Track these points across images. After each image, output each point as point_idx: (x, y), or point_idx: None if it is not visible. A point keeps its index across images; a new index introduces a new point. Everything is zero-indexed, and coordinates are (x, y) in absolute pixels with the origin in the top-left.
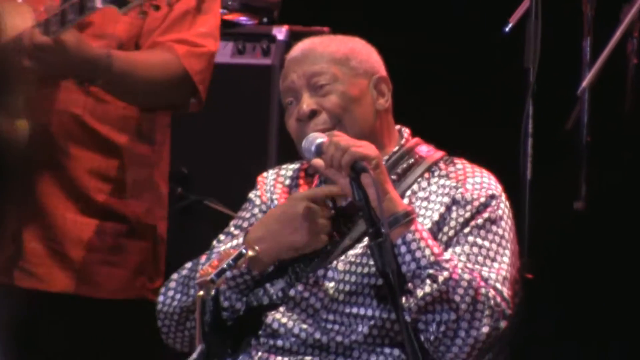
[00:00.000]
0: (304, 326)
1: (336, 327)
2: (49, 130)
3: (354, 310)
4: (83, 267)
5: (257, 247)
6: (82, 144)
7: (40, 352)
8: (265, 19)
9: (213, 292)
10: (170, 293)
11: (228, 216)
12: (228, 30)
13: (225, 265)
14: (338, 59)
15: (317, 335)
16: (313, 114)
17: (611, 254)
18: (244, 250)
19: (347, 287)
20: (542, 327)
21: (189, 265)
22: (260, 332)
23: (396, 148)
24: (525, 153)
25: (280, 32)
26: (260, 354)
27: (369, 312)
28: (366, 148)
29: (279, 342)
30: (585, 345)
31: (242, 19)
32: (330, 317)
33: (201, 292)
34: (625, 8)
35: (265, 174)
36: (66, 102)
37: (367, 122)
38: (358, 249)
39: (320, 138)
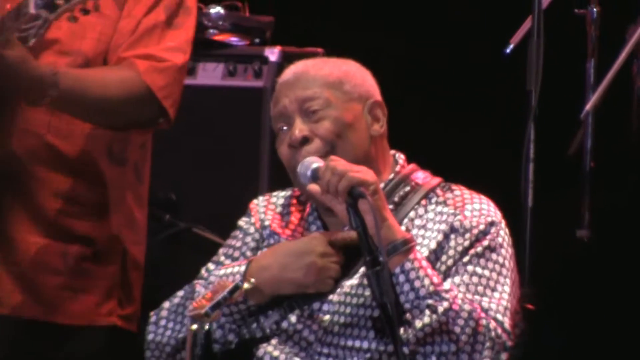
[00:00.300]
0: (296, 359)
1: None
2: (11, 150)
3: (349, 342)
4: (46, 291)
5: (253, 280)
6: (47, 165)
7: None
8: (257, 40)
9: (207, 326)
10: (163, 322)
11: (217, 244)
12: (219, 51)
13: (220, 299)
14: (331, 83)
15: None
16: (305, 140)
17: (616, 284)
18: (240, 283)
19: (342, 319)
20: (544, 357)
21: (181, 293)
22: None
23: (392, 175)
24: (526, 179)
25: (273, 53)
26: None
27: (365, 345)
28: (364, 173)
29: None
30: None
31: (233, 39)
32: (325, 350)
33: (194, 326)
34: (630, 28)
35: (256, 200)
36: (30, 121)
37: (362, 148)
38: (354, 279)
39: (316, 163)
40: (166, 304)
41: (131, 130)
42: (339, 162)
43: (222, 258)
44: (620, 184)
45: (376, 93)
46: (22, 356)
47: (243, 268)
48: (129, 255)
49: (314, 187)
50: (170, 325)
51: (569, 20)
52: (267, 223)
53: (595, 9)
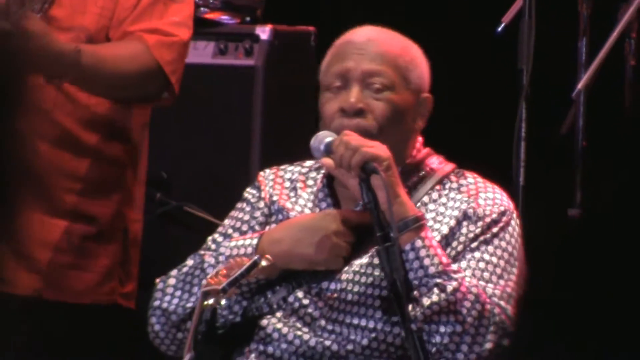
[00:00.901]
0: (299, 333)
1: (333, 336)
2: (17, 126)
3: (355, 320)
4: (49, 269)
5: (269, 257)
6: (52, 142)
7: (5, 355)
8: (248, 18)
9: (223, 302)
10: (170, 290)
11: (208, 222)
12: (209, 29)
13: (238, 275)
14: (400, 66)
15: (312, 343)
16: (360, 112)
17: (607, 263)
18: (257, 260)
19: (350, 297)
20: (537, 333)
21: (190, 262)
22: (254, 337)
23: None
24: (518, 158)
25: (264, 32)
26: (252, 357)
27: (371, 324)
28: (377, 148)
29: (270, 349)
30: (580, 351)
31: (224, 17)
32: (329, 326)
33: (211, 301)
34: (622, 7)
35: (263, 173)
36: (36, 97)
37: (403, 139)
38: (364, 258)
39: (329, 137)
40: (174, 272)
41: (133, 107)
42: (352, 137)
43: (230, 230)
44: (612, 164)
45: (428, 87)
46: (25, 333)
47: (255, 241)
48: (129, 233)
49: (327, 161)
50: (178, 293)
51: None
52: (275, 198)
53: None
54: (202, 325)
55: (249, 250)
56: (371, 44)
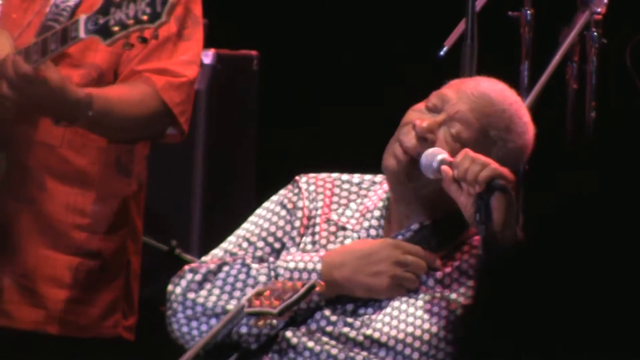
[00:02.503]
0: (327, 347)
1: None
2: (24, 163)
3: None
4: (53, 304)
5: (322, 282)
6: (59, 177)
7: None
8: None
9: (275, 323)
10: (208, 286)
11: (151, 246)
12: None
13: (294, 300)
14: (491, 136)
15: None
16: (425, 140)
17: (550, 281)
18: (315, 283)
19: (394, 333)
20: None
21: (234, 270)
22: (273, 346)
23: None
24: None
25: (207, 56)
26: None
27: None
28: (504, 169)
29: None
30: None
31: None
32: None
33: (260, 322)
34: (564, 31)
35: (305, 179)
36: (44, 133)
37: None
38: (412, 301)
39: (441, 154)
40: (212, 266)
41: (139, 143)
42: (475, 154)
43: (264, 234)
44: (553, 187)
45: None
46: None
47: (318, 266)
48: (131, 265)
49: (447, 169)
50: (217, 292)
51: (503, 22)
52: (319, 212)
53: (529, 12)
54: (225, 332)
55: (313, 275)
56: (484, 97)
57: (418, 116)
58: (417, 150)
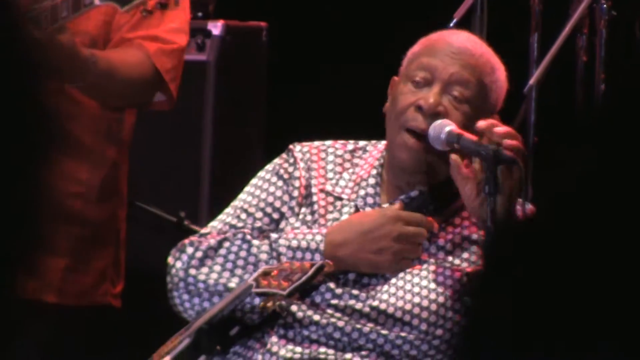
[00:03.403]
0: (333, 320)
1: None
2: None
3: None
4: (51, 273)
5: (330, 262)
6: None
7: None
8: (200, 14)
9: (283, 303)
10: (209, 262)
11: (159, 217)
12: None
13: (303, 281)
14: (485, 84)
15: (347, 329)
16: (437, 114)
17: (560, 258)
18: (323, 264)
19: (400, 303)
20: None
21: (235, 246)
22: (277, 320)
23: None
24: None
25: (216, 27)
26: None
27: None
28: (520, 142)
29: (293, 332)
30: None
31: None
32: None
33: (269, 303)
34: (574, 3)
35: (299, 147)
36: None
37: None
38: (417, 271)
39: (449, 126)
40: (212, 242)
41: (127, 110)
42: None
43: (263, 204)
44: (564, 160)
45: (498, 109)
46: (26, 336)
47: (321, 246)
48: (120, 233)
49: (456, 158)
50: (218, 268)
51: None
52: (313, 181)
53: None
54: (225, 311)
55: (316, 256)
56: (466, 52)
57: (414, 96)
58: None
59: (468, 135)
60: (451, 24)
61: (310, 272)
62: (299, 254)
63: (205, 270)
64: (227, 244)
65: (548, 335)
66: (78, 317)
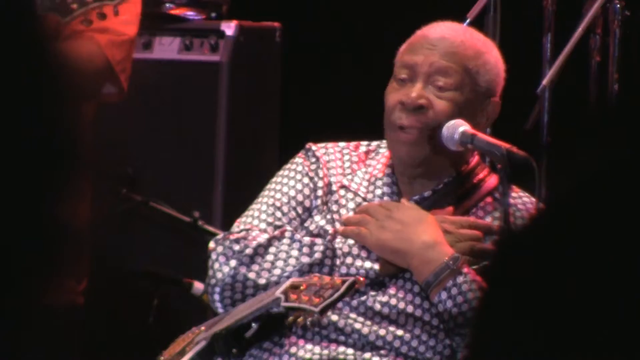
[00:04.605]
0: (350, 321)
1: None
2: None
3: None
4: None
5: (362, 278)
6: None
7: None
8: (213, 14)
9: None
10: (258, 260)
11: (173, 217)
12: (175, 25)
13: (336, 298)
14: (470, 69)
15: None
16: (420, 107)
17: (572, 256)
18: (355, 280)
19: (409, 297)
20: None
21: (284, 245)
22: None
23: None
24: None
25: (229, 28)
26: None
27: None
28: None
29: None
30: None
31: (190, 13)
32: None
33: (300, 319)
34: (587, 3)
35: (320, 147)
36: None
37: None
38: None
39: (462, 126)
40: (262, 240)
41: (82, 106)
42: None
43: (294, 203)
44: (576, 161)
45: (499, 91)
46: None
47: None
48: (83, 230)
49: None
50: (268, 266)
51: None
52: (332, 179)
53: None
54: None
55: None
56: (444, 41)
57: (398, 94)
58: (421, 123)
59: (482, 136)
60: (465, 24)
61: (342, 289)
62: (355, 250)
63: (256, 268)
64: (276, 242)
65: (559, 330)
66: (43, 317)
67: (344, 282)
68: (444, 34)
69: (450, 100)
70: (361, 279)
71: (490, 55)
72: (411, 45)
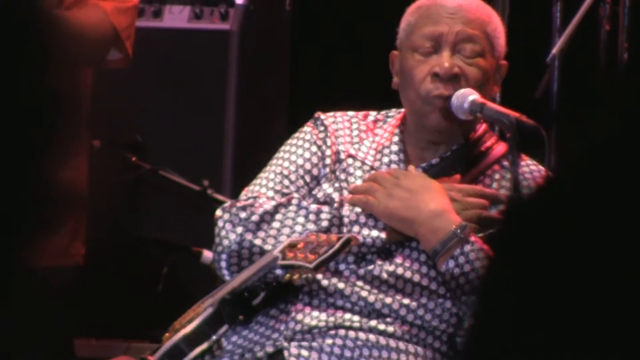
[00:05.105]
0: (356, 289)
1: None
2: None
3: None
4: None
5: (357, 236)
6: None
7: None
8: None
9: (310, 277)
10: (265, 226)
11: (183, 186)
12: None
13: (330, 255)
14: (489, 33)
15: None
16: (455, 77)
17: (580, 225)
18: (350, 238)
19: (416, 266)
20: None
21: (291, 213)
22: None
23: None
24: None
25: None
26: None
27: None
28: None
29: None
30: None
31: None
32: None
33: (295, 276)
34: None
35: (326, 116)
36: None
37: None
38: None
39: (472, 95)
40: (269, 207)
41: (82, 70)
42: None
43: (301, 172)
44: (585, 129)
45: (504, 54)
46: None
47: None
48: (84, 193)
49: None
50: (274, 233)
51: None
52: (341, 147)
53: None
54: (251, 282)
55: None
56: (463, 9)
57: (427, 65)
58: (455, 92)
59: (491, 104)
60: None
61: (337, 246)
62: (362, 218)
63: (262, 234)
64: (283, 210)
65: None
66: (48, 279)
67: (339, 239)
68: (459, 1)
69: (478, 67)
70: (357, 236)
71: (496, 17)
72: (428, 16)
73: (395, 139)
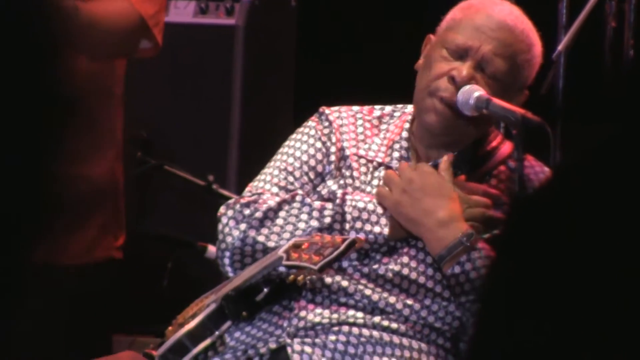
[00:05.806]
0: (360, 287)
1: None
2: None
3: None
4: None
5: (362, 237)
6: None
7: (14, 325)
8: None
9: (314, 277)
10: (268, 223)
11: (188, 181)
12: None
13: (335, 256)
14: (519, 63)
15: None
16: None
17: (584, 224)
18: (356, 239)
19: (422, 268)
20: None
21: (294, 210)
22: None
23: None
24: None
25: None
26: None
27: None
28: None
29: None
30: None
31: None
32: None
33: (300, 277)
34: None
35: (331, 111)
36: None
37: (489, 126)
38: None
39: (477, 91)
40: (272, 204)
41: (116, 62)
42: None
43: (306, 168)
44: (591, 125)
45: (529, 83)
46: (32, 302)
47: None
48: (119, 185)
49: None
50: (277, 230)
51: None
52: (346, 144)
53: None
54: (254, 280)
55: (382, 219)
56: (504, 29)
57: (448, 65)
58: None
59: (496, 101)
60: None
61: (342, 247)
62: (364, 215)
63: (265, 231)
64: (286, 206)
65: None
66: (83, 275)
67: (344, 240)
68: (507, 18)
69: (494, 88)
70: (362, 238)
71: (537, 48)
72: (472, 19)
73: (404, 134)
